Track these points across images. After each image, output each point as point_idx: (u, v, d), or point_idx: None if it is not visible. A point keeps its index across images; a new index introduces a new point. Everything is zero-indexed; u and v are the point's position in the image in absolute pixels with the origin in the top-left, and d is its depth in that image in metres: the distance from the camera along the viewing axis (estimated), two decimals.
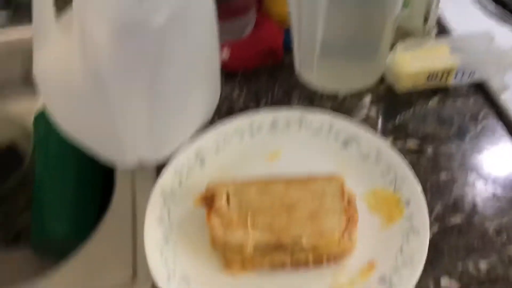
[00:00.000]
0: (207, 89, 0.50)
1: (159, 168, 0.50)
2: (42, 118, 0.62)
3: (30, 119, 0.66)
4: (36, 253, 0.59)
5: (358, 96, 0.58)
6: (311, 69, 0.58)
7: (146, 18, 0.38)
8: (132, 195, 0.51)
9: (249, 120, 0.54)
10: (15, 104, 0.77)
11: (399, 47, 0.58)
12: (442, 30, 0.65)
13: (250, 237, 0.42)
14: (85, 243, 0.48)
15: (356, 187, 0.47)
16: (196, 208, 0.47)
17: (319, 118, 0.54)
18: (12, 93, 0.76)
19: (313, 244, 0.42)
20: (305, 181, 0.46)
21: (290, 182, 0.46)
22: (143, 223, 0.45)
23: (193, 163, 0.51)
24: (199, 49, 0.45)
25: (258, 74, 0.62)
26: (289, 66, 0.62)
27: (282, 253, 0.43)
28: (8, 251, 0.64)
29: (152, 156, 0.50)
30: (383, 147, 0.50)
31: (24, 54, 0.69)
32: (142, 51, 0.40)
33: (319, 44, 0.50)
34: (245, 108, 0.58)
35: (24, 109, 0.75)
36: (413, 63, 0.57)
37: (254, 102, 0.59)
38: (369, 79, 0.59)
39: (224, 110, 0.58)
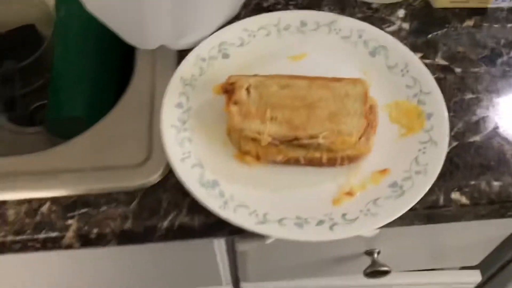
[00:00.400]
0: None
1: (181, 56, 0.50)
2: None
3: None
4: (50, 132, 0.60)
5: (392, 7, 0.56)
6: None
7: None
8: (151, 78, 0.50)
9: (277, 17, 0.52)
10: None
11: None
12: None
13: (266, 129, 0.42)
14: (100, 121, 0.48)
15: (379, 96, 0.47)
16: (215, 97, 0.47)
17: (350, 24, 0.52)
18: None
19: (329, 143, 0.42)
20: (329, 81, 0.45)
21: (314, 80, 0.45)
22: (161, 106, 0.45)
23: (216, 54, 0.50)
24: None
25: None
26: None
27: (297, 149, 0.43)
28: (23, 129, 0.64)
29: (175, 42, 0.49)
30: (412, 59, 0.49)
31: None
32: None
33: None
34: (273, 7, 0.56)
35: None
36: None
37: (283, 2, 0.56)
38: None
39: (251, 8, 0.55)
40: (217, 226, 0.42)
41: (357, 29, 0.51)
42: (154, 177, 0.44)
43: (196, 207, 0.41)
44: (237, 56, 0.50)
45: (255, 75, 0.46)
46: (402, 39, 0.52)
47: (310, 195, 0.43)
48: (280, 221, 0.40)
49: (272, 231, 0.40)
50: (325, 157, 0.43)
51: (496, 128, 0.47)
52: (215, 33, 0.50)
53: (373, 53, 0.50)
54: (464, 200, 0.43)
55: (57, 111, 0.57)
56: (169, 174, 0.44)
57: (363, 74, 0.49)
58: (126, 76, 0.52)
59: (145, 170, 0.44)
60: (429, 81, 0.47)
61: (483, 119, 0.48)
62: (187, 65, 0.48)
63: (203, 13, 0.48)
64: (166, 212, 0.43)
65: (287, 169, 0.44)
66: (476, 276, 0.64)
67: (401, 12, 0.56)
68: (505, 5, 0.56)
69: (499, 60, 0.52)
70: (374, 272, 0.54)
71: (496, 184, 0.44)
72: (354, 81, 0.45)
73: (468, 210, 0.44)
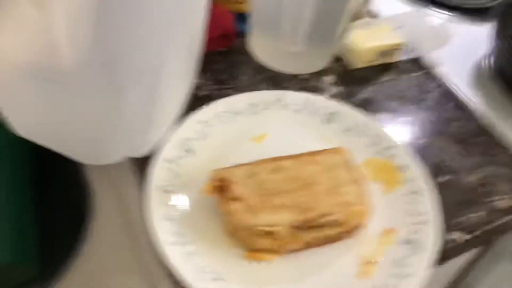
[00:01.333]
0: (189, 74, 0.46)
1: (140, 162, 0.45)
2: None
3: None
4: None
5: (318, 75, 0.59)
6: (275, 52, 0.58)
7: None
8: (116, 195, 0.44)
9: (227, 103, 0.51)
10: None
11: (353, 27, 0.60)
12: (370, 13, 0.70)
13: (281, 218, 0.40)
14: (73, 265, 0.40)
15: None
16: (201, 198, 0.43)
17: (296, 97, 0.53)
18: None
19: (344, 216, 0.41)
20: (311, 155, 0.45)
21: (298, 158, 0.45)
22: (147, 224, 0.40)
23: (182, 153, 0.47)
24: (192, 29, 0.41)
25: (214, 60, 0.59)
26: (242, 51, 0.61)
27: (311, 231, 0.41)
28: None
29: (139, 150, 0.44)
30: (366, 120, 0.52)
31: None
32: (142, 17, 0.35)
33: (306, 25, 0.49)
34: (210, 95, 0.55)
35: None
36: (367, 40, 0.59)
37: (218, 89, 0.56)
38: (327, 59, 0.60)
39: (192, 99, 0.53)
40: None
41: (305, 101, 0.53)
42: None
43: None
44: (203, 149, 0.48)
45: (238, 166, 0.43)
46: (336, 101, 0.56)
47: (335, 274, 0.41)
48: None
49: None
50: (339, 232, 0.42)
51: (454, 165, 0.52)
52: (174, 132, 0.47)
53: (328, 120, 0.52)
54: (463, 237, 0.46)
55: None
56: None
57: (326, 142, 0.50)
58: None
59: None
60: (388, 136, 0.50)
61: (441, 161, 0.52)
62: (158, 172, 0.44)
63: (168, 112, 0.44)
64: None
65: (302, 255, 0.42)
66: None
67: (328, 79, 0.59)
68: (408, 57, 0.63)
69: (424, 104, 0.58)
70: None
71: (481, 213, 0.48)
72: (334, 151, 0.46)
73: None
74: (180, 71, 0.43)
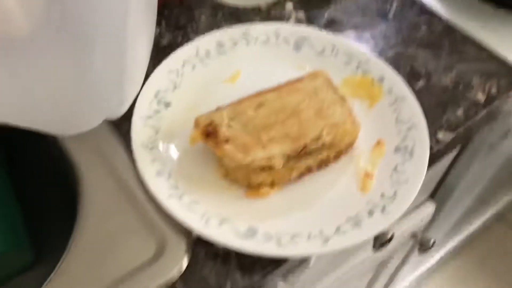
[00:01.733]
0: (151, 22, 0.44)
1: (116, 125, 0.43)
2: None
3: None
4: None
5: (279, 4, 0.58)
6: None
7: None
8: (102, 160, 0.43)
9: (193, 48, 0.49)
10: None
11: None
12: None
13: (274, 151, 0.39)
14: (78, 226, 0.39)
15: None
16: (189, 148, 0.43)
17: (261, 28, 0.52)
18: None
19: (332, 138, 0.41)
20: (292, 84, 0.44)
21: (279, 89, 0.44)
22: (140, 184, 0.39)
23: (158, 107, 0.45)
24: None
25: (169, 5, 0.56)
26: None
27: (304, 159, 0.41)
28: None
29: (116, 111, 0.42)
30: (335, 39, 0.51)
31: None
32: None
33: None
34: (175, 42, 0.52)
35: None
36: None
37: (181, 35, 0.53)
38: None
39: (154, 50, 0.51)
40: None
41: (272, 31, 0.52)
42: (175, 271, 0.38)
43: None
44: (178, 100, 0.46)
45: (219, 108, 0.42)
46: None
47: (337, 194, 0.42)
48: (337, 229, 0.38)
49: (338, 243, 0.38)
50: (332, 154, 0.42)
51: (427, 71, 0.52)
52: (144, 86, 0.45)
53: (297, 47, 0.51)
54: (448, 136, 0.47)
55: None
56: (193, 262, 0.38)
57: (300, 68, 0.50)
58: None
59: (162, 264, 0.38)
60: (361, 51, 0.50)
61: (413, 66, 0.53)
62: (139, 130, 0.43)
63: (137, 65, 0.42)
64: None
65: (301, 184, 0.42)
66: (431, 207, 0.71)
67: (289, 5, 0.58)
68: None
69: (389, 15, 0.58)
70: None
71: (459, 111, 0.49)
72: (314, 75, 0.45)
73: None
74: (143, 20, 0.40)
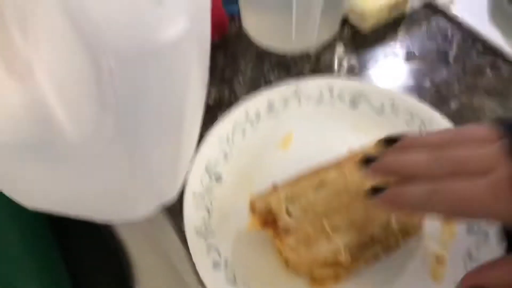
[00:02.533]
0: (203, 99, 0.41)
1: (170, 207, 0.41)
2: None
3: None
4: None
5: (328, 49, 0.54)
6: (276, 31, 0.52)
7: (159, 30, 0.28)
8: (151, 247, 0.41)
9: (243, 111, 0.46)
10: None
11: None
12: None
13: (339, 243, 0.36)
14: None
15: None
16: (243, 233, 0.40)
17: (313, 84, 0.48)
18: None
19: (401, 224, 0.38)
20: (353, 159, 0.41)
21: (339, 165, 0.41)
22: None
23: (209, 183, 0.43)
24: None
25: (212, 56, 0.53)
26: (238, 37, 0.55)
27: (373, 245, 0.38)
28: None
29: (171, 193, 0.40)
30: (394, 95, 0.47)
31: None
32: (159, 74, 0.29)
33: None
34: (222, 99, 0.50)
35: None
36: None
37: (228, 89, 0.51)
38: (335, 26, 0.54)
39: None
40: None
41: (324, 87, 0.48)
42: None
43: None
44: (230, 172, 0.44)
45: (275, 188, 0.40)
46: (356, 75, 0.51)
47: (408, 284, 0.39)
48: None
49: None
50: (400, 239, 0.39)
51: None
52: (195, 159, 0.43)
53: (353, 104, 0.48)
54: None
55: None
56: None
57: (357, 130, 0.46)
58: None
59: None
60: (425, 108, 0.46)
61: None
62: (191, 213, 0.40)
63: (191, 142, 0.40)
64: None
65: (367, 272, 0.39)
66: None
67: (340, 50, 0.54)
68: (416, 5, 0.57)
69: (450, 56, 0.54)
70: None
71: None
72: (376, 147, 0.42)
73: None
74: (198, 98, 0.37)
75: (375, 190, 0.32)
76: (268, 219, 0.38)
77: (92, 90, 0.27)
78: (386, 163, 0.33)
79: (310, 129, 0.47)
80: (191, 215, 0.40)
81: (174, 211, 0.42)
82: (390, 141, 0.35)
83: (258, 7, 0.50)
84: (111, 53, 0.25)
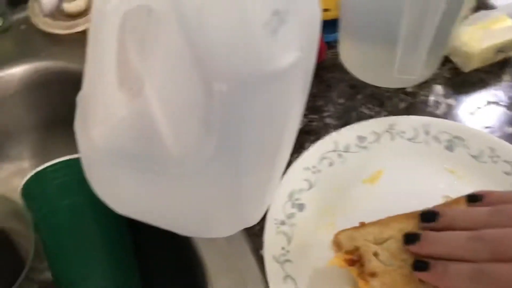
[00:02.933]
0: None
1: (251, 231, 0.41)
2: (36, 187, 0.48)
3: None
4: None
5: (426, 86, 0.52)
6: (374, 64, 0.51)
7: (274, 57, 0.28)
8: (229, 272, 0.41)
9: (332, 141, 0.46)
10: None
11: (465, 23, 0.52)
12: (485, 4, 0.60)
13: None
14: None
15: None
16: (327, 267, 0.39)
17: (409, 122, 0.47)
18: None
19: None
20: (448, 207, 0.39)
21: None
22: None
23: (291, 211, 0.42)
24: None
25: None
26: (334, 66, 0.54)
27: None
28: None
29: (256, 217, 0.40)
30: (495, 142, 0.45)
31: None
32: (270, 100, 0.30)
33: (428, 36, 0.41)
34: (309, 128, 0.49)
35: None
36: (482, 38, 0.51)
37: (316, 120, 0.50)
38: (436, 64, 0.52)
39: None
40: None
41: (420, 125, 0.47)
42: None
43: None
44: (313, 201, 0.43)
45: (362, 226, 0.38)
46: (453, 117, 0.49)
47: None
48: None
49: None
50: None
51: None
52: (280, 186, 0.43)
53: (450, 147, 0.46)
54: None
55: None
56: None
57: (450, 173, 0.44)
58: None
59: None
60: None
61: None
62: (271, 238, 0.40)
63: (280, 169, 0.40)
64: None
65: None
66: None
67: (438, 89, 0.52)
68: None
69: None
70: None
71: None
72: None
73: None
74: (295, 124, 0.37)
75: (419, 266, 0.33)
76: (354, 261, 0.37)
77: (199, 110, 0.28)
78: (426, 246, 0.34)
79: (400, 167, 0.45)
80: (271, 242, 0.40)
81: (253, 233, 0.42)
82: (472, 199, 0.36)
83: (359, 39, 0.49)
84: (224, 78, 0.26)
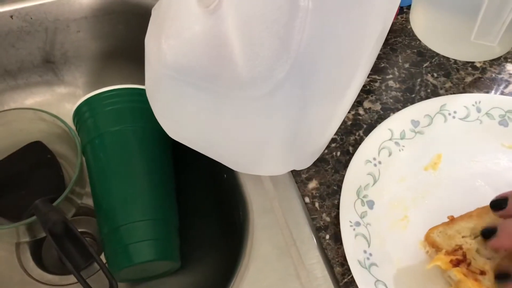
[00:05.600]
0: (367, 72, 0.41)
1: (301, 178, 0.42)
2: (87, 112, 0.50)
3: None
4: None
5: (498, 63, 0.51)
6: (446, 34, 0.50)
7: None
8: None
9: (386, 130, 0.45)
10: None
11: None
12: None
13: None
14: None
15: None
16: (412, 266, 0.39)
17: (460, 102, 0.47)
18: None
19: None
20: None
21: None
22: None
23: (362, 209, 0.41)
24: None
25: None
26: (403, 31, 0.54)
27: None
28: None
29: (304, 163, 0.41)
30: None
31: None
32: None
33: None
34: (369, 88, 0.49)
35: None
36: None
37: (377, 80, 0.50)
38: (510, 44, 0.51)
39: None
40: None
41: (470, 103, 0.46)
42: None
43: None
44: (379, 197, 0.42)
45: (452, 221, 0.38)
46: None
47: None
48: None
49: None
50: None
51: None
52: (344, 183, 0.42)
53: (504, 123, 0.46)
54: None
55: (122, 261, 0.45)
56: None
57: (509, 149, 0.44)
58: None
59: None
60: None
61: None
62: (350, 242, 0.39)
63: (339, 120, 0.40)
64: None
65: None
66: None
67: (510, 68, 0.51)
68: None
69: None
70: None
71: None
72: None
73: None
74: (365, 72, 0.37)
75: (501, 277, 0.32)
76: (458, 258, 0.35)
77: (278, 27, 0.28)
78: (506, 238, 0.33)
79: (458, 149, 0.45)
80: (352, 247, 0.39)
81: (300, 180, 0.42)
82: None
83: (434, 5, 0.49)
84: None
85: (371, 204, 0.42)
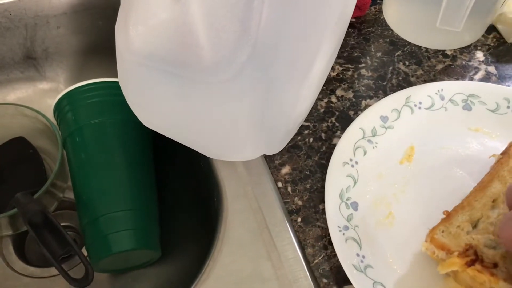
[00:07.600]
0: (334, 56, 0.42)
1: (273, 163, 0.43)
2: (67, 105, 0.51)
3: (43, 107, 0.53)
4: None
5: (468, 51, 0.53)
6: (417, 24, 0.52)
7: None
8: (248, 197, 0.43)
9: (358, 129, 0.46)
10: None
11: None
12: None
13: None
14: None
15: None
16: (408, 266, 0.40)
17: (424, 92, 0.48)
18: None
19: None
20: (504, 163, 0.40)
21: (496, 173, 0.40)
22: None
23: (347, 212, 0.42)
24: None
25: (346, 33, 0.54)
26: (375, 21, 0.55)
27: None
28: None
29: (275, 147, 0.42)
30: (509, 92, 0.47)
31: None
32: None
33: None
34: (342, 76, 0.51)
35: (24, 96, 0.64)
36: None
37: (353, 68, 0.52)
38: (480, 32, 0.53)
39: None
40: None
41: (433, 92, 0.48)
42: None
43: None
44: (362, 198, 0.43)
45: (448, 216, 0.38)
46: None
47: None
48: None
49: None
50: None
51: None
52: (328, 190, 0.43)
53: (467, 107, 0.47)
54: None
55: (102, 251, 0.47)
56: None
57: (476, 132, 0.46)
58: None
59: None
60: None
61: None
62: (342, 247, 0.39)
63: (309, 102, 0.41)
64: None
65: None
66: None
67: (479, 55, 0.52)
68: None
69: None
70: None
71: None
72: None
73: None
74: (329, 55, 0.39)
75: None
76: (472, 258, 0.35)
77: (238, 10, 0.29)
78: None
79: (429, 138, 0.46)
80: (344, 252, 0.39)
81: (274, 166, 0.44)
82: None
83: None
84: None
85: (355, 206, 0.43)
